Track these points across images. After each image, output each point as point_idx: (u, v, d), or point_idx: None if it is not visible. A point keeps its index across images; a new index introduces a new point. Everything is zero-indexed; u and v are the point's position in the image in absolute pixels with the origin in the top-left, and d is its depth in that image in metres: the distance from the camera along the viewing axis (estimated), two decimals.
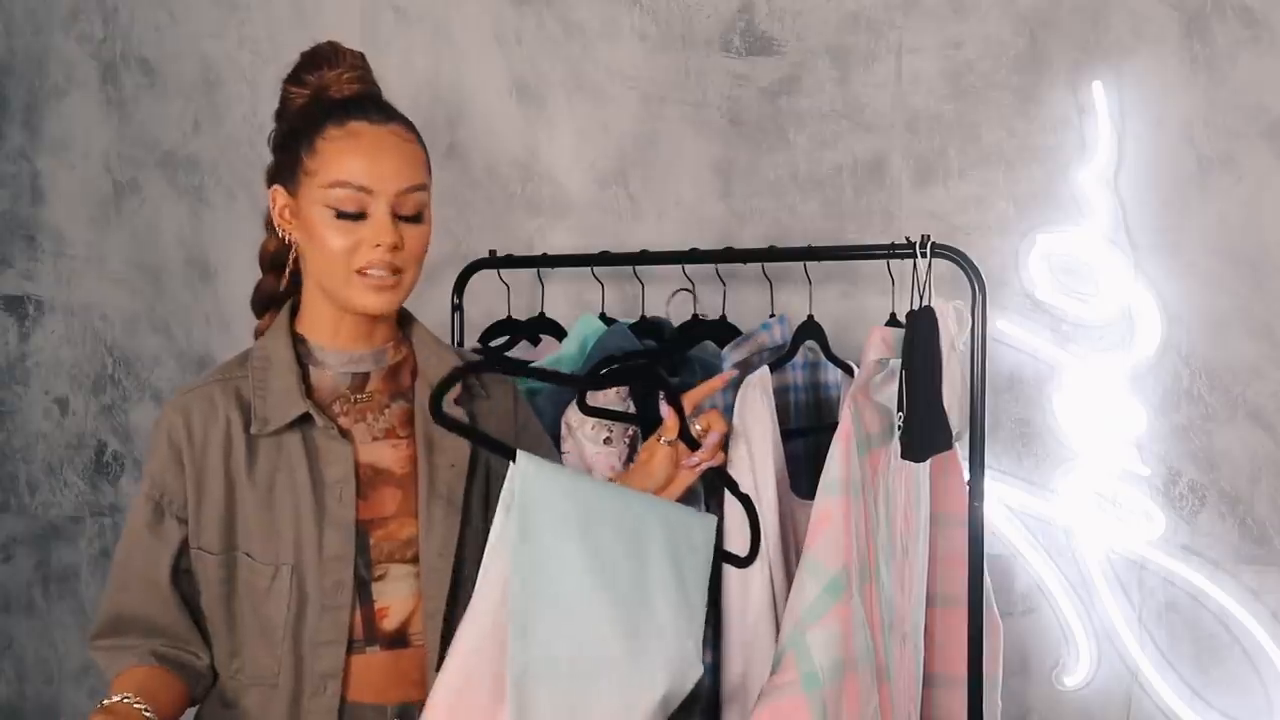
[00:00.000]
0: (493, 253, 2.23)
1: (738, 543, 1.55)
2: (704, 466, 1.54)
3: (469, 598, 1.48)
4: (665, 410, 1.55)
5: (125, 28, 2.83)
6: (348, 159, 1.43)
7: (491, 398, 1.60)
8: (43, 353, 2.94)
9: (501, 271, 2.21)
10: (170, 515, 1.48)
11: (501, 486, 1.50)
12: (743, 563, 1.49)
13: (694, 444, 1.54)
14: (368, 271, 1.44)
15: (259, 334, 1.59)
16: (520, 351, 2.17)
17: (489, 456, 1.55)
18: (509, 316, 2.21)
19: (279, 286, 1.57)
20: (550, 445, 1.69)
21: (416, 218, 1.48)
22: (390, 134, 1.46)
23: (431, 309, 2.48)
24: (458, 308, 2.24)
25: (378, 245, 1.43)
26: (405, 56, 2.59)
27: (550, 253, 2.23)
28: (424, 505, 1.49)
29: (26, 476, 2.96)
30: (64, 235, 2.91)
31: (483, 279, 2.23)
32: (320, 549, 1.45)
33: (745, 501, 1.52)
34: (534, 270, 2.24)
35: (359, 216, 1.44)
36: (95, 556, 2.90)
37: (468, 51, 2.55)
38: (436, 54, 2.57)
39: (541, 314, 2.20)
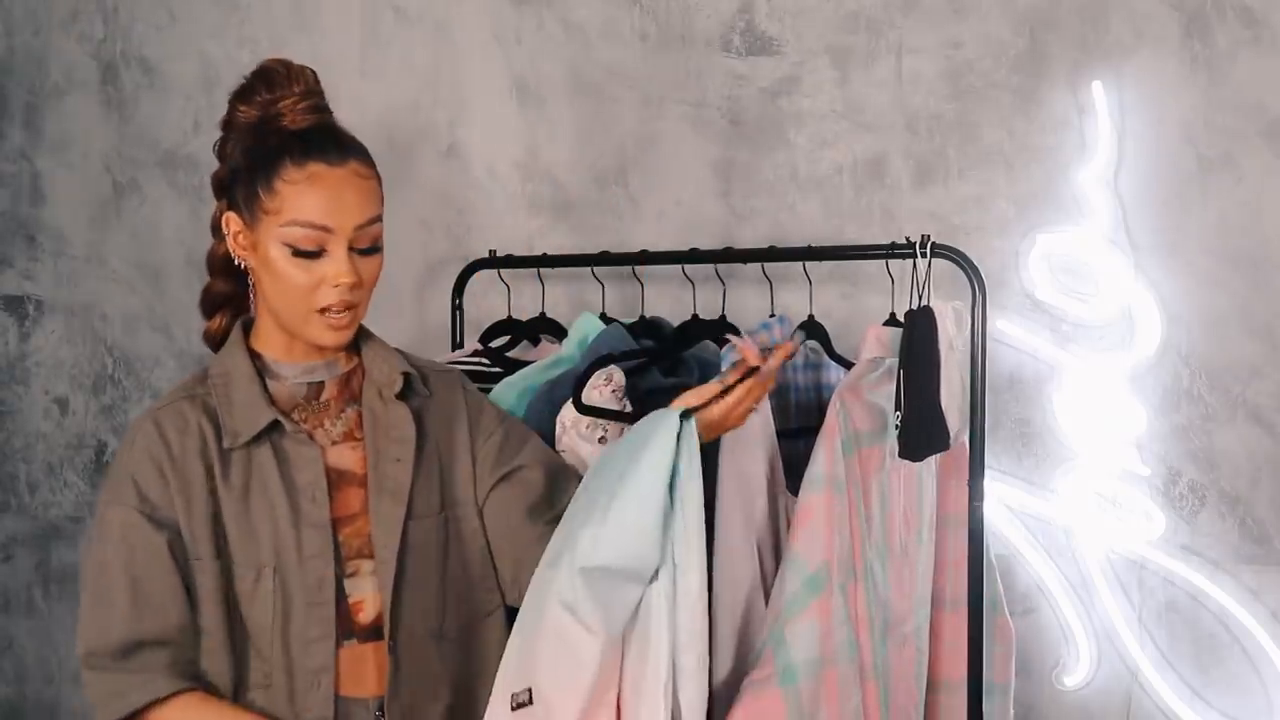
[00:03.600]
0: (493, 253, 2.23)
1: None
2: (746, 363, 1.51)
3: (423, 585, 1.53)
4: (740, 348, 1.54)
5: (125, 28, 2.83)
6: (307, 200, 1.46)
7: (435, 395, 1.63)
8: (43, 353, 2.94)
9: (501, 271, 2.21)
10: (164, 526, 1.47)
11: (451, 481, 1.58)
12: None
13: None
14: (328, 310, 1.48)
15: (206, 335, 1.62)
16: (520, 352, 2.17)
17: (437, 452, 1.59)
18: (509, 316, 2.20)
19: (227, 289, 1.60)
20: (513, 422, 1.70)
21: (372, 249, 1.51)
22: (349, 174, 1.48)
23: (431, 309, 2.49)
24: (458, 308, 2.24)
25: (337, 285, 1.47)
26: (405, 56, 2.59)
27: (550, 253, 2.24)
28: (374, 501, 1.53)
29: (26, 476, 2.96)
30: (64, 235, 2.91)
31: (483, 279, 2.23)
32: (299, 549, 1.48)
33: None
34: (534, 270, 2.24)
35: (318, 254, 1.47)
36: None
37: (468, 51, 2.55)
38: (436, 54, 2.57)
39: (542, 314, 2.20)
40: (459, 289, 2.24)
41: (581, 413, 1.78)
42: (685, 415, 1.44)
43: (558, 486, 1.64)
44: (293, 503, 1.49)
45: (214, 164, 1.59)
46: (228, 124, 1.56)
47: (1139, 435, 2.09)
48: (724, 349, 1.88)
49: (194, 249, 2.79)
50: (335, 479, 1.53)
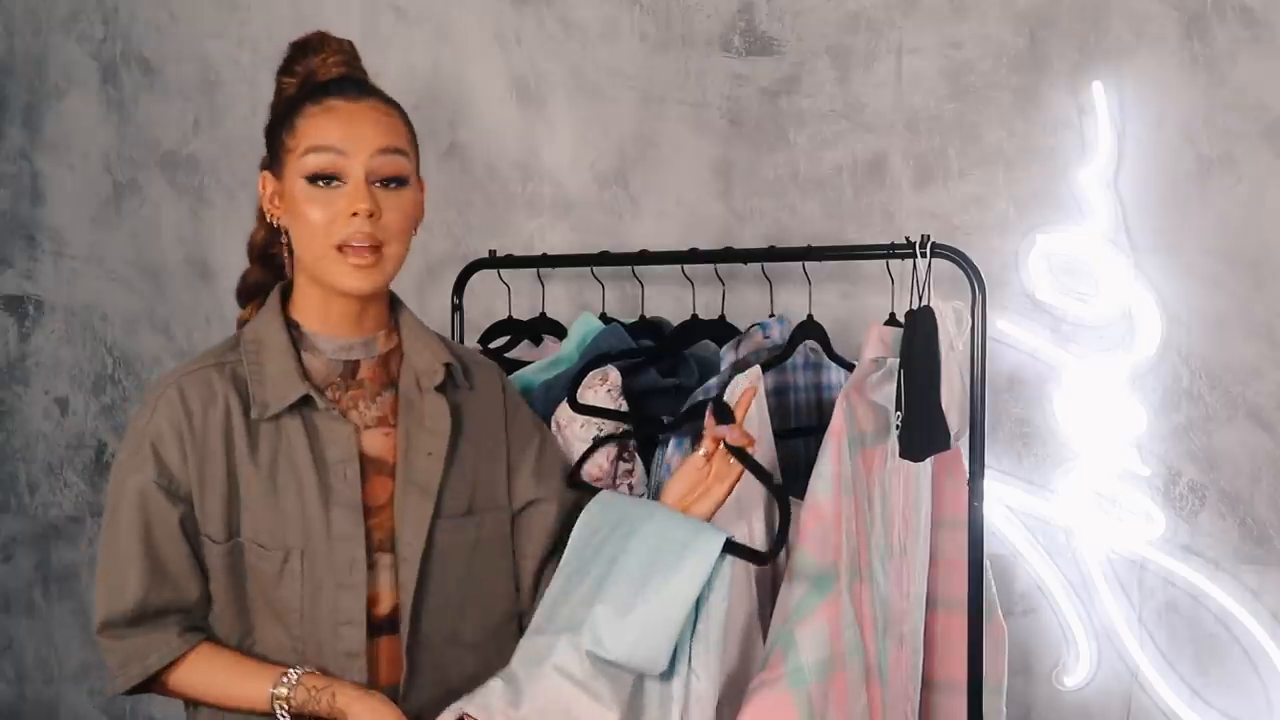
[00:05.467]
0: (493, 253, 2.23)
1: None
2: (728, 436, 1.53)
3: (444, 588, 1.51)
4: (708, 422, 1.56)
5: (125, 28, 2.83)
6: (323, 126, 1.44)
7: (476, 389, 1.59)
8: (43, 353, 2.94)
9: (501, 271, 2.21)
10: (180, 500, 1.45)
11: (484, 482, 1.56)
12: (761, 559, 1.49)
13: (737, 452, 1.55)
14: (348, 246, 1.43)
15: (241, 323, 1.58)
16: (521, 351, 2.17)
17: (473, 447, 1.55)
18: (509, 316, 2.20)
19: (264, 277, 1.57)
20: (546, 432, 1.69)
21: (397, 182, 1.46)
22: (367, 107, 1.47)
23: (431, 309, 2.49)
24: (458, 308, 2.24)
25: (354, 214, 1.42)
26: (405, 56, 2.59)
27: (550, 253, 2.24)
28: (400, 495, 1.49)
29: (26, 476, 2.97)
30: (64, 235, 2.91)
31: (483, 279, 2.23)
32: (328, 529, 1.44)
33: (778, 491, 1.51)
34: (534, 270, 2.24)
35: (334, 180, 1.43)
36: (95, 556, 2.90)
37: (468, 51, 2.55)
38: (436, 54, 2.57)
39: (543, 314, 2.20)
40: (459, 289, 2.24)
41: (576, 412, 1.78)
42: (729, 548, 1.45)
43: (568, 529, 1.61)
44: (323, 481, 1.45)
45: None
46: (274, 104, 1.54)
47: (1139, 435, 2.09)
48: (722, 349, 1.88)
49: (194, 249, 2.79)
50: (365, 465, 1.49)
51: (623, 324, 2.00)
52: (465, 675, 1.50)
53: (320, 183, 1.43)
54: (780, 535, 1.49)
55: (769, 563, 1.50)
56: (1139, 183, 2.08)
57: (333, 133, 1.44)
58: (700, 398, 1.77)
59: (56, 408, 2.94)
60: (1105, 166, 2.08)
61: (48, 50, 2.89)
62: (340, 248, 1.43)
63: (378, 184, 1.44)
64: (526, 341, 2.19)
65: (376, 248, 1.44)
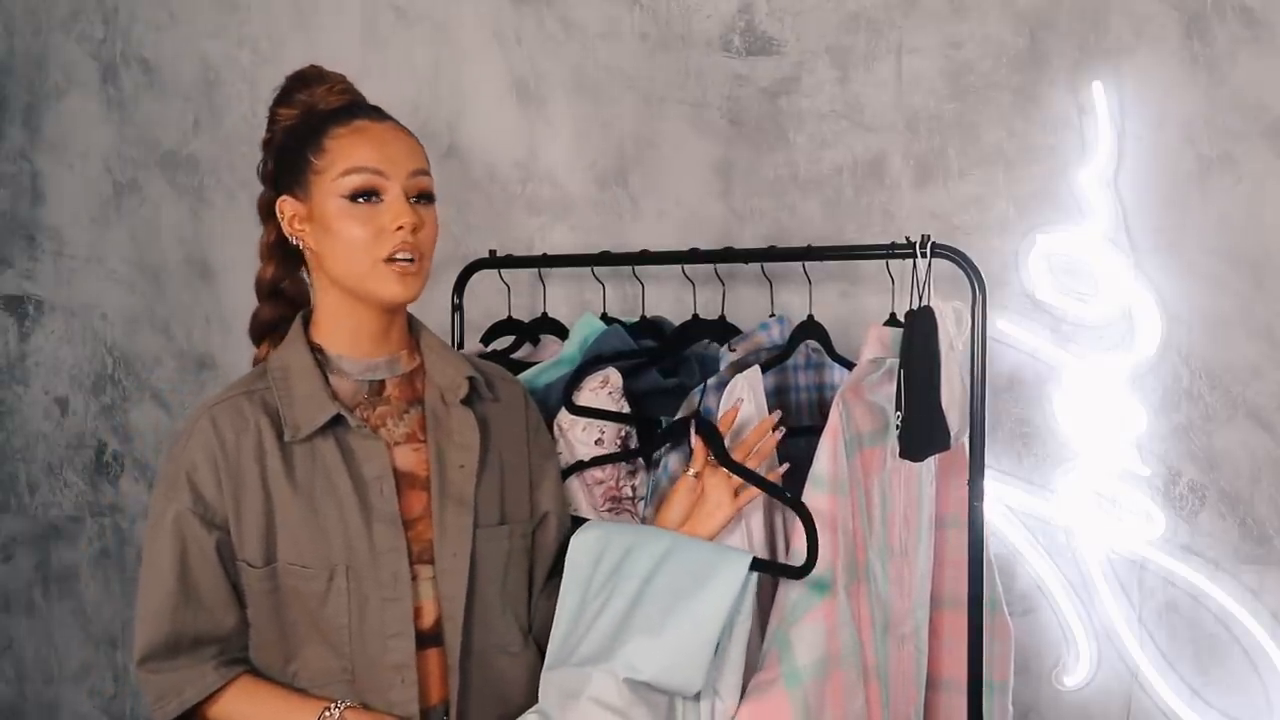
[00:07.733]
0: (493, 253, 2.23)
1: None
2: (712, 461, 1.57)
3: (490, 597, 1.53)
4: (695, 441, 1.59)
5: (125, 28, 2.83)
6: (359, 147, 1.47)
7: (500, 400, 1.61)
8: (43, 353, 2.94)
9: (502, 271, 2.21)
10: (216, 527, 1.47)
11: (510, 494, 1.57)
12: (798, 572, 1.52)
13: (736, 467, 1.58)
14: (395, 257, 1.46)
15: (257, 363, 1.59)
16: (523, 353, 2.17)
17: (500, 458, 1.57)
18: (509, 317, 2.20)
19: (274, 315, 1.59)
20: (556, 460, 1.70)
21: (427, 199, 1.51)
22: (391, 127, 1.51)
23: (432, 309, 2.48)
24: (458, 308, 2.24)
25: (399, 228, 1.45)
26: (405, 56, 2.59)
27: (550, 253, 2.24)
28: (436, 508, 1.50)
29: (26, 476, 2.97)
30: (64, 235, 2.91)
31: (483, 279, 2.23)
32: (371, 544, 1.46)
33: (798, 507, 1.54)
34: (534, 270, 2.23)
35: (374, 196, 1.46)
36: (95, 556, 2.90)
37: (468, 51, 2.55)
38: (436, 54, 2.57)
39: (544, 314, 2.20)
40: (459, 289, 2.24)
41: (574, 414, 1.78)
42: (754, 566, 1.49)
43: (563, 546, 1.63)
44: (361, 498, 1.46)
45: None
46: (269, 139, 1.56)
47: (1139, 435, 2.09)
48: (722, 348, 1.88)
49: (194, 249, 2.79)
50: (398, 480, 1.50)
51: (624, 324, 2.00)
52: (518, 686, 1.53)
53: (361, 199, 1.46)
54: (811, 548, 1.51)
55: (806, 575, 1.52)
56: (1139, 182, 2.08)
57: (370, 153, 1.47)
58: (697, 396, 1.77)
59: (56, 408, 2.94)
60: (1105, 166, 2.08)
61: (48, 50, 2.89)
62: (389, 259, 1.46)
63: (413, 200, 1.48)
64: (526, 343, 2.19)
65: (417, 257, 1.48)
